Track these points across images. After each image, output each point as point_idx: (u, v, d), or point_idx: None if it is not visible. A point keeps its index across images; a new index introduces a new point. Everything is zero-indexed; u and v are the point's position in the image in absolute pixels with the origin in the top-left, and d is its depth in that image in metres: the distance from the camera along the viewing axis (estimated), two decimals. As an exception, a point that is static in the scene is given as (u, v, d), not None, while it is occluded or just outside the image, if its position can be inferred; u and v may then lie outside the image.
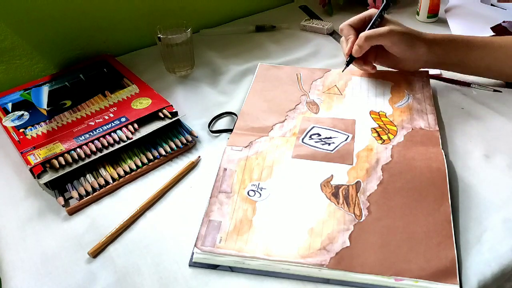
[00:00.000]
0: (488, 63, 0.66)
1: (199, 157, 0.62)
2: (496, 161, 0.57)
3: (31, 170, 0.56)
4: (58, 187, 0.57)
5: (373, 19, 0.67)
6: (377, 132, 0.62)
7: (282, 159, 0.58)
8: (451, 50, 0.65)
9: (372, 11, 0.68)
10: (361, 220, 0.49)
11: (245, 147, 0.60)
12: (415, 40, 0.64)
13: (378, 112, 0.65)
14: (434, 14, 0.92)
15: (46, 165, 0.56)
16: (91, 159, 0.58)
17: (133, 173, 0.59)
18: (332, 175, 0.55)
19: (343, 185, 0.54)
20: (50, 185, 0.56)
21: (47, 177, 0.55)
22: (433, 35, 0.66)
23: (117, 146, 0.60)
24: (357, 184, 0.54)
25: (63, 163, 0.57)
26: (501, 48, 0.64)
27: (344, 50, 0.68)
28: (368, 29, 0.66)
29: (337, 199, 0.52)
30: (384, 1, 0.69)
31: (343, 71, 0.70)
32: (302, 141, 0.61)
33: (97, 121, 0.64)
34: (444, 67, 0.69)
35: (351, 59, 0.68)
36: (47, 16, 0.76)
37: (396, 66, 0.71)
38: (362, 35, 0.64)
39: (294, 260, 0.46)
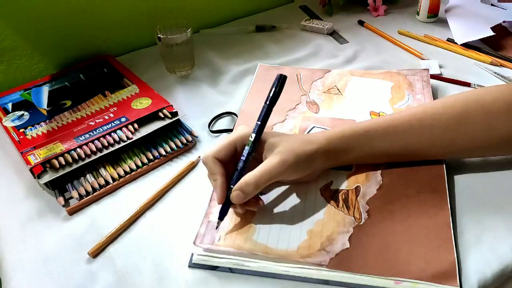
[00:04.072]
0: (399, 148, 0.53)
1: (199, 157, 0.62)
2: (496, 161, 0.57)
3: (31, 170, 0.56)
4: (58, 187, 0.57)
5: (248, 151, 0.49)
6: (377, 132, 0.61)
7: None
8: (349, 149, 0.52)
9: (242, 132, 0.50)
10: (361, 223, 0.49)
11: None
12: (310, 158, 0.49)
13: (378, 113, 0.65)
14: (434, 14, 0.92)
15: (46, 165, 0.56)
16: (91, 159, 0.58)
17: (133, 173, 0.59)
18: (331, 181, 0.55)
19: (342, 189, 0.54)
20: (50, 185, 0.56)
21: (47, 177, 0.55)
22: (325, 137, 0.51)
23: (117, 146, 0.60)
24: (357, 188, 0.54)
25: (63, 163, 0.57)
26: (411, 129, 0.52)
27: (215, 190, 0.50)
28: (244, 163, 0.49)
29: (336, 203, 0.52)
30: (258, 124, 0.50)
31: (217, 228, 0.49)
32: (302, 142, 0.60)
33: (97, 121, 0.64)
34: (354, 162, 0.56)
35: (227, 207, 0.49)
36: (47, 16, 0.76)
37: (286, 182, 0.55)
38: (250, 181, 0.46)
39: (293, 260, 0.46)
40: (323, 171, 0.54)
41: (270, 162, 0.47)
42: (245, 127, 0.51)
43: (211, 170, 0.49)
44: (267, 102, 0.51)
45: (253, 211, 0.51)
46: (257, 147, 0.50)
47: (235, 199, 0.47)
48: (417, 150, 0.53)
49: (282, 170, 0.47)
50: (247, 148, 0.49)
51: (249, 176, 0.47)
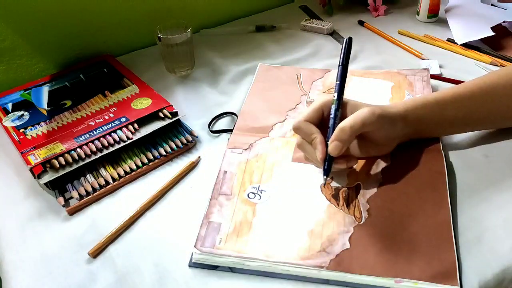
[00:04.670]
0: (464, 115, 0.56)
1: (199, 157, 0.62)
2: (496, 161, 0.57)
3: (31, 170, 0.56)
4: (58, 187, 0.57)
5: (334, 108, 0.52)
6: (377, 132, 0.61)
7: (282, 162, 0.58)
8: (423, 117, 0.55)
9: (325, 98, 0.53)
10: (361, 223, 0.49)
11: (245, 149, 0.60)
12: (392, 119, 0.52)
13: (378, 113, 0.65)
14: (434, 14, 0.91)
15: (46, 165, 0.56)
16: (91, 159, 0.58)
17: (133, 173, 0.59)
18: (332, 177, 0.55)
19: (343, 187, 0.54)
20: (50, 185, 0.56)
21: (47, 177, 0.55)
22: (403, 105, 0.54)
23: (117, 146, 0.60)
24: (357, 186, 0.54)
25: (63, 163, 0.57)
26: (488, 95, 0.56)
27: (313, 156, 0.52)
28: (334, 120, 0.52)
29: (337, 201, 0.52)
30: (338, 84, 0.54)
31: (324, 185, 0.53)
32: (302, 142, 0.60)
33: (97, 121, 0.64)
34: (424, 135, 0.58)
35: (330, 163, 0.51)
36: (47, 16, 0.76)
37: (369, 153, 0.56)
38: (345, 126, 0.48)
39: (293, 262, 0.46)
40: (400, 142, 0.56)
41: (360, 112, 0.50)
42: (325, 94, 0.56)
43: (307, 131, 0.51)
44: (341, 64, 0.55)
45: (253, 212, 0.51)
46: (341, 108, 0.53)
47: (334, 150, 0.49)
48: (480, 117, 0.57)
49: (372, 118, 0.50)
50: (333, 106, 0.52)
51: (343, 123, 0.49)
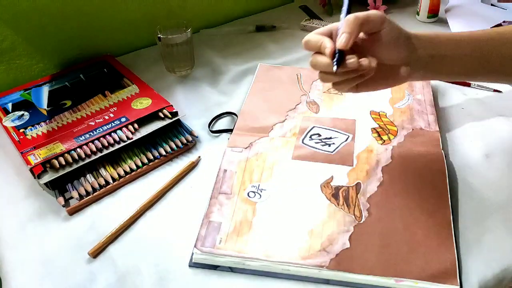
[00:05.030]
0: (478, 57, 0.53)
1: (199, 157, 0.62)
2: (496, 161, 0.57)
3: (31, 170, 0.56)
4: (58, 187, 0.57)
5: (346, 7, 0.50)
6: (377, 132, 0.62)
7: (282, 160, 0.58)
8: (439, 46, 0.53)
9: (334, 23, 0.50)
10: (361, 222, 0.49)
11: (245, 148, 0.60)
12: (406, 36, 0.50)
13: (379, 112, 0.65)
14: (434, 14, 0.91)
15: (46, 165, 0.56)
16: (91, 159, 0.58)
17: (133, 173, 0.59)
18: (332, 176, 0.55)
19: (343, 186, 0.54)
20: (50, 185, 0.56)
21: (47, 177, 0.55)
22: (414, 32, 0.52)
23: (117, 146, 0.60)
24: (357, 185, 0.54)
25: (63, 163, 0.57)
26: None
27: (324, 62, 0.48)
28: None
29: (337, 200, 0.52)
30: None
31: (336, 72, 0.47)
32: (302, 142, 0.61)
33: (97, 121, 0.64)
34: (435, 74, 0.56)
35: (340, 55, 0.47)
36: (47, 16, 0.76)
37: (383, 83, 0.53)
38: (350, 16, 0.47)
39: (294, 261, 0.46)
40: (412, 76, 0.52)
41: (370, 11, 0.48)
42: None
43: (316, 39, 0.48)
44: None
45: (253, 211, 0.51)
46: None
47: (342, 40, 0.46)
48: (495, 61, 0.54)
49: (379, 15, 0.47)
50: (342, 15, 0.49)
51: (349, 15, 0.47)
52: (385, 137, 0.60)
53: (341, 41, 0.46)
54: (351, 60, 0.46)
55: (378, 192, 0.53)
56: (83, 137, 0.60)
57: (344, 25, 0.47)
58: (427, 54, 0.52)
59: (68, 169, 0.57)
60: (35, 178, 0.56)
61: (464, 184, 0.54)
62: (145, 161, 0.60)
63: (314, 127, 0.63)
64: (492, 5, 0.92)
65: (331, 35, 0.50)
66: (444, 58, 0.53)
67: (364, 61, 0.47)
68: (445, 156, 0.56)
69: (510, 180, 0.55)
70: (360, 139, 0.60)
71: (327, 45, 0.47)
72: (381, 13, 0.48)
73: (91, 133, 0.61)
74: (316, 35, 0.49)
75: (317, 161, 0.57)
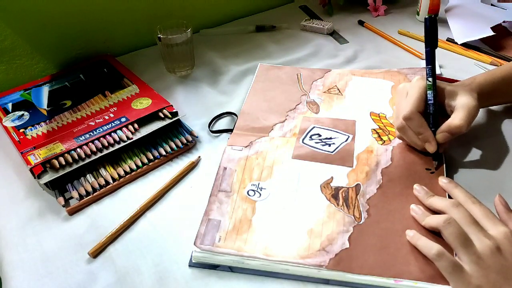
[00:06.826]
0: None
1: (199, 157, 0.62)
2: (496, 161, 0.57)
3: (31, 170, 0.56)
4: (58, 187, 0.57)
5: (433, 94, 0.54)
6: (377, 133, 0.62)
7: (282, 160, 0.58)
8: (493, 92, 0.59)
9: (422, 84, 0.55)
10: (361, 222, 0.49)
11: (245, 146, 0.60)
12: (477, 111, 0.54)
13: (379, 114, 0.65)
14: (434, 14, 0.91)
15: (46, 165, 0.56)
16: (91, 159, 0.58)
17: (133, 173, 0.59)
18: (332, 177, 0.55)
19: (343, 187, 0.54)
20: (50, 185, 0.56)
21: (47, 177, 0.55)
22: (477, 84, 0.57)
23: (117, 146, 0.60)
24: (357, 186, 0.54)
25: (63, 163, 0.57)
26: None
27: (413, 141, 0.56)
28: (434, 106, 0.54)
29: (336, 201, 0.52)
30: (429, 67, 0.54)
31: (436, 169, 0.55)
32: (303, 142, 0.61)
33: (97, 121, 0.64)
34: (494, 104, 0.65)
35: (438, 149, 0.54)
36: (47, 16, 0.76)
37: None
38: (463, 126, 0.51)
39: (293, 260, 0.46)
40: None
41: (468, 107, 0.52)
42: (417, 78, 0.56)
43: (419, 123, 0.53)
44: (428, 47, 0.55)
45: (253, 210, 0.51)
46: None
47: (442, 139, 0.53)
48: None
49: (477, 111, 0.53)
50: (430, 92, 0.54)
51: (458, 120, 0.52)
52: (385, 138, 0.61)
53: (442, 139, 0.53)
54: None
55: (378, 194, 0.53)
56: (83, 137, 0.60)
57: (451, 129, 0.52)
58: (488, 104, 0.62)
59: (68, 169, 0.57)
60: (35, 178, 0.56)
61: (464, 185, 0.54)
62: (145, 161, 0.60)
63: (314, 127, 0.63)
64: (492, 5, 0.92)
65: (423, 99, 0.54)
66: (497, 98, 0.62)
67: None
68: (444, 157, 0.56)
69: (510, 180, 0.55)
70: (360, 140, 0.60)
71: (432, 142, 0.54)
72: (476, 106, 0.53)
73: (91, 133, 0.61)
74: (418, 117, 0.53)
75: (317, 161, 0.57)
